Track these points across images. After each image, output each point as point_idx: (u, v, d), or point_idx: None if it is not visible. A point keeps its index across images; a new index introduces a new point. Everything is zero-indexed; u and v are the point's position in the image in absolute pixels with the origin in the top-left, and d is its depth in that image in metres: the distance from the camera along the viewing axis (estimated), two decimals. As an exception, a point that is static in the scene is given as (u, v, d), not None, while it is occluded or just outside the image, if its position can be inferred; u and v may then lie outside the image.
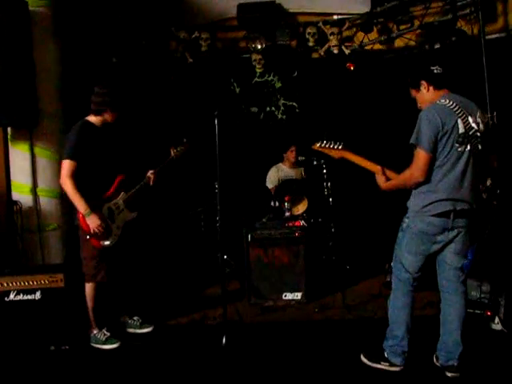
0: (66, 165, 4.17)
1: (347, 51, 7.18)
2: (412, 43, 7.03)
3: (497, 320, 4.43)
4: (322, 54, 7.30)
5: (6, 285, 4.31)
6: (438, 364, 3.68)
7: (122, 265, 4.59)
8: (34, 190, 5.39)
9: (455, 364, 3.55)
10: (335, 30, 7.08)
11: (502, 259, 4.68)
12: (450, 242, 3.51)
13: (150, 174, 4.70)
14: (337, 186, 6.60)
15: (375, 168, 3.70)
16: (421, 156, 3.40)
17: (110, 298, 4.70)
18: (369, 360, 3.84)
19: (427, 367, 3.71)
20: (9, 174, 5.17)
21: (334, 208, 6.53)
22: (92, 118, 4.42)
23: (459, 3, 6.20)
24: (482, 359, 3.84)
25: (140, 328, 4.75)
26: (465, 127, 3.39)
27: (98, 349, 4.44)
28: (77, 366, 4.13)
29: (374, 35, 7.10)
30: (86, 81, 6.04)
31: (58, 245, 5.53)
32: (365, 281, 6.06)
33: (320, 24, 7.18)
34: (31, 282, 4.34)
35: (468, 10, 6.20)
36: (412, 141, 3.46)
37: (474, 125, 3.42)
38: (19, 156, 5.34)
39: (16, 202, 5.23)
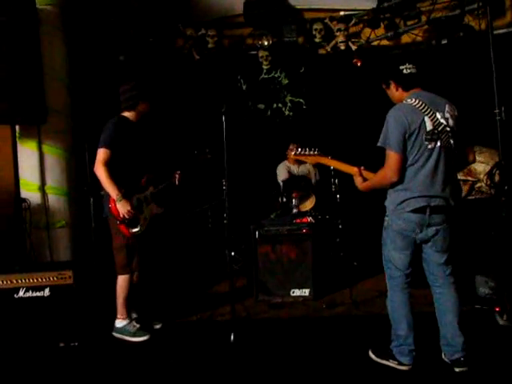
0: (101, 152, 4.25)
1: (354, 47, 7.17)
2: (419, 39, 7.01)
3: (505, 316, 4.41)
4: (329, 50, 7.30)
5: (15, 282, 4.34)
6: (445, 359, 3.67)
7: (148, 260, 4.66)
8: (42, 187, 5.42)
9: (461, 358, 3.54)
10: (342, 26, 7.08)
11: (510, 255, 4.66)
12: (429, 239, 3.53)
13: (176, 175, 4.80)
14: (344, 183, 6.59)
15: (352, 170, 3.76)
16: (391, 157, 3.42)
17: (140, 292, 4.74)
18: (377, 356, 3.83)
19: (436, 364, 3.70)
20: (17, 171, 5.20)
21: (342, 205, 6.52)
22: (126, 114, 4.51)
23: (467, -2, 6.18)
24: (491, 355, 3.82)
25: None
26: (433, 124, 3.40)
27: (121, 340, 4.48)
28: (86, 362, 4.14)
29: (380, 31, 7.09)
30: (94, 78, 6.09)
31: (67, 242, 5.55)
32: (372, 277, 6.05)
33: (327, 20, 7.17)
34: (40, 279, 4.37)
35: (476, 5, 6.18)
36: (380, 143, 3.50)
37: (442, 120, 3.42)
38: (27, 154, 5.37)
39: (24, 200, 5.26)
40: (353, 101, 7.38)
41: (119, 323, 4.55)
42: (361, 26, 7.27)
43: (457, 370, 3.55)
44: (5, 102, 4.85)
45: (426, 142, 3.39)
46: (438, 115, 3.42)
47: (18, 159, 5.21)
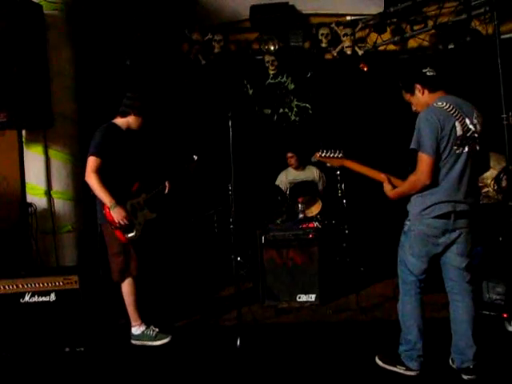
0: (91, 161, 4.27)
1: (360, 52, 7.16)
2: (426, 44, 7.00)
3: (513, 322, 4.39)
4: (335, 54, 7.29)
5: (21, 286, 4.34)
6: (454, 367, 3.64)
7: (145, 264, 4.62)
8: (48, 192, 5.42)
9: (470, 366, 3.51)
10: (348, 30, 7.07)
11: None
12: (452, 243, 3.49)
13: (166, 184, 4.88)
14: (351, 188, 6.57)
15: (380, 177, 3.67)
16: (424, 160, 3.38)
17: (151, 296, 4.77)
18: (384, 362, 3.81)
19: (444, 370, 3.67)
20: (23, 176, 5.20)
21: (348, 210, 6.50)
22: (118, 120, 4.53)
23: (473, 3, 6.16)
24: (499, 361, 3.80)
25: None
26: (462, 129, 3.37)
27: (144, 345, 4.49)
28: (91, 367, 4.14)
29: (387, 36, 7.09)
30: (101, 83, 6.10)
31: (73, 247, 5.55)
32: (379, 282, 6.03)
33: (333, 25, 7.17)
34: (46, 284, 4.37)
35: (482, 10, 6.15)
36: (413, 146, 3.45)
37: (471, 126, 3.40)
38: (34, 158, 5.38)
39: (31, 204, 5.26)
40: (359, 106, 7.38)
41: (136, 330, 4.55)
42: (367, 30, 7.26)
43: (465, 377, 3.53)
44: (11, 107, 4.85)
45: (455, 147, 3.36)
46: (468, 120, 3.40)
47: (25, 164, 5.22)
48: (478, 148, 3.44)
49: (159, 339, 4.51)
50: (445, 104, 3.40)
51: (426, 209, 3.44)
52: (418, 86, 3.57)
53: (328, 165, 4.21)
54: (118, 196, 4.31)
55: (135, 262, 4.46)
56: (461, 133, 3.36)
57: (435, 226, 3.44)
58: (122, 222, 4.24)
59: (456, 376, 3.57)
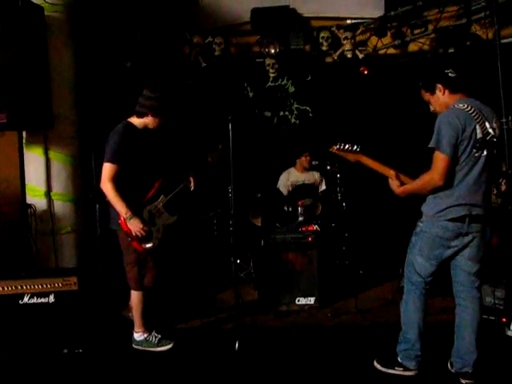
0: (107, 168, 4.10)
1: (361, 55, 7.17)
2: (426, 48, 7.01)
3: (512, 326, 4.39)
4: (336, 58, 7.29)
5: (20, 288, 4.33)
6: (452, 370, 3.65)
7: (164, 269, 4.56)
8: (48, 193, 5.41)
9: (470, 371, 3.51)
10: (349, 34, 7.08)
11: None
12: (465, 247, 3.48)
13: (190, 178, 4.70)
14: (350, 191, 6.58)
15: (389, 172, 3.65)
16: (441, 160, 3.36)
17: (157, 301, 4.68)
18: (382, 366, 3.81)
19: (442, 373, 3.68)
20: (23, 177, 5.19)
21: (348, 213, 6.51)
22: (134, 120, 4.35)
23: (474, 7, 6.16)
24: (498, 366, 3.80)
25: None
26: (482, 132, 3.36)
27: (147, 351, 4.44)
28: (90, 369, 4.13)
29: (387, 40, 7.08)
30: (101, 85, 6.10)
31: (72, 248, 5.54)
32: (378, 286, 6.03)
33: (334, 28, 7.17)
34: (45, 285, 4.36)
35: (483, 14, 6.17)
36: (432, 144, 3.41)
37: (490, 130, 3.40)
38: (34, 160, 5.37)
39: (30, 206, 5.25)
40: (359, 109, 7.39)
41: (139, 336, 4.49)
42: (368, 34, 7.26)
43: (463, 382, 3.53)
44: (12, 108, 4.84)
45: (474, 150, 3.36)
46: (487, 124, 3.40)
47: (25, 165, 5.21)
48: (495, 152, 3.45)
49: (161, 345, 4.46)
50: (466, 106, 3.40)
51: (442, 211, 3.44)
52: (439, 86, 3.55)
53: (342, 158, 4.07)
54: (135, 202, 4.19)
55: (152, 272, 4.36)
56: (480, 136, 3.36)
57: (449, 229, 3.43)
58: (138, 234, 4.10)
59: (454, 378, 3.57)
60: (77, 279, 4.40)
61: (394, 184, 3.63)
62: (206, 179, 4.98)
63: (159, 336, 4.51)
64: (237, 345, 4.27)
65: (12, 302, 4.31)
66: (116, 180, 4.11)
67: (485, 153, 3.38)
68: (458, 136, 3.33)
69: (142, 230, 4.10)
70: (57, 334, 4.34)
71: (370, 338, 4.52)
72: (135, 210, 4.14)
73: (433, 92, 3.60)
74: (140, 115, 4.33)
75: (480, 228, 3.45)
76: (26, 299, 4.33)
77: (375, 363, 3.86)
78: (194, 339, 4.72)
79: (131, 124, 4.34)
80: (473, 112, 3.38)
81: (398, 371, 3.69)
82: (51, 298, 4.36)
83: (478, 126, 3.36)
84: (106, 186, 4.09)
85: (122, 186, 4.13)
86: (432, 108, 3.67)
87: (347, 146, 3.77)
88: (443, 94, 3.55)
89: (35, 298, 4.34)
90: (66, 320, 4.35)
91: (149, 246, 4.23)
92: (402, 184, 3.60)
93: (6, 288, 4.32)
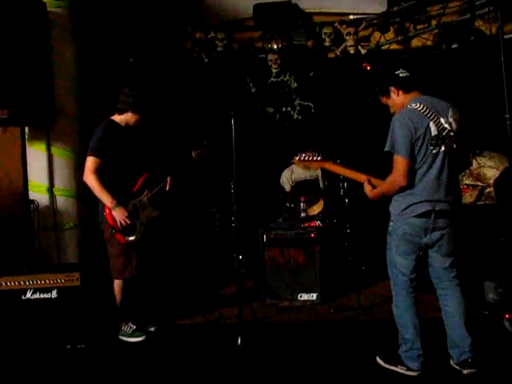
0: (90, 161, 4.24)
1: (363, 51, 7.15)
2: (429, 43, 6.99)
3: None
4: (339, 54, 7.29)
5: (22, 283, 4.34)
6: (453, 363, 3.65)
7: (146, 262, 4.61)
8: (50, 189, 5.43)
9: (469, 358, 3.53)
10: (351, 29, 7.08)
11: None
12: (434, 244, 3.54)
13: (168, 179, 4.76)
14: (352, 187, 6.57)
15: (361, 178, 3.73)
16: (399, 162, 3.43)
17: (138, 293, 4.72)
18: (385, 362, 3.81)
19: (445, 370, 3.67)
20: (26, 173, 5.21)
21: (350, 209, 6.51)
22: (116, 118, 4.49)
23: (477, 2, 6.15)
24: (500, 362, 3.79)
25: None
26: (437, 129, 3.41)
27: (123, 343, 4.50)
28: (92, 364, 4.14)
29: (390, 35, 7.08)
30: (104, 81, 6.10)
31: (74, 244, 5.56)
32: (380, 282, 6.00)
33: (336, 24, 7.17)
34: (48, 281, 4.37)
35: (486, 9, 6.14)
36: (387, 148, 3.50)
37: (446, 125, 3.44)
38: (36, 155, 5.38)
39: (33, 201, 5.27)
40: (362, 105, 7.36)
41: (120, 326, 4.59)
42: (370, 29, 7.25)
43: (465, 372, 3.54)
44: (14, 104, 4.86)
45: (431, 147, 3.41)
46: (442, 120, 3.44)
47: (27, 161, 5.22)
48: (455, 146, 3.48)
49: (134, 336, 4.53)
50: (418, 105, 3.45)
51: (407, 208, 3.49)
52: (392, 89, 3.63)
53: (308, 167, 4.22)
54: (120, 195, 4.30)
55: (135, 262, 4.45)
56: (436, 132, 3.41)
57: (416, 225, 3.48)
58: (123, 223, 4.23)
59: (457, 375, 3.57)
60: (79, 275, 4.41)
61: (366, 188, 3.70)
62: (190, 175, 5.02)
63: (134, 327, 4.56)
64: (239, 340, 4.28)
65: (15, 297, 4.32)
66: (100, 174, 4.23)
67: (442, 148, 3.42)
68: (411, 136, 3.39)
69: (127, 218, 4.24)
70: (59, 329, 4.35)
71: (373, 334, 4.52)
72: (120, 202, 4.26)
73: (388, 95, 3.68)
74: (120, 112, 4.47)
75: (447, 223, 3.49)
76: (28, 295, 4.34)
77: (378, 359, 3.86)
78: (196, 334, 4.72)
79: (113, 121, 4.48)
80: (425, 110, 3.42)
81: (400, 369, 3.68)
82: (54, 294, 4.37)
83: (431, 124, 3.40)
84: (90, 178, 4.23)
85: (107, 180, 4.25)
86: (392, 110, 3.73)
87: (308, 157, 3.89)
88: (397, 95, 3.63)
89: (38, 293, 4.35)
90: (68, 315, 4.36)
91: (131, 238, 4.35)
92: (375, 188, 3.66)
93: (8, 283, 4.32)
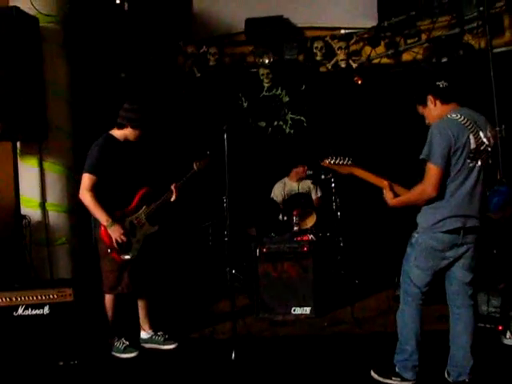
0: (86, 179, 4.21)
1: (355, 65, 7.20)
2: (419, 57, 7.04)
3: (508, 334, 4.38)
4: (330, 68, 7.33)
5: (14, 299, 4.29)
6: (449, 379, 3.63)
7: (140, 279, 4.55)
8: (42, 204, 5.41)
9: (466, 379, 3.51)
10: (343, 44, 7.12)
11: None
12: (460, 257, 3.48)
13: (172, 188, 4.67)
14: (345, 200, 6.59)
15: (382, 183, 3.65)
16: (433, 171, 3.35)
17: (131, 309, 4.70)
18: (379, 375, 3.79)
19: (439, 382, 3.67)
20: (18, 188, 5.18)
21: (343, 222, 6.52)
22: (115, 132, 4.45)
23: (466, 17, 6.21)
24: (494, 374, 3.79)
25: (163, 344, 4.72)
26: (476, 142, 3.34)
27: (116, 359, 4.47)
28: (85, 381, 4.10)
29: (381, 49, 7.12)
30: (95, 96, 6.11)
31: (67, 259, 5.53)
32: (374, 295, 6.02)
33: (327, 38, 7.21)
34: (40, 297, 4.33)
35: (475, 24, 6.20)
36: (423, 155, 3.41)
37: (484, 140, 3.38)
38: (28, 170, 5.37)
39: (25, 217, 5.24)
40: (353, 119, 7.41)
41: (112, 341, 4.56)
42: (361, 44, 7.29)
43: None
44: (6, 119, 4.85)
45: (468, 160, 3.34)
46: (482, 134, 3.37)
47: (19, 176, 5.20)
48: (490, 162, 3.43)
49: (127, 352, 4.50)
50: (459, 116, 3.38)
51: (437, 223, 3.42)
52: (430, 98, 3.53)
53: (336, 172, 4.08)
54: (117, 212, 4.27)
55: (127, 279, 4.40)
56: (474, 146, 3.34)
57: (444, 241, 3.42)
58: (119, 240, 4.18)
59: (451, 388, 3.57)
60: (72, 290, 4.37)
61: (387, 195, 3.62)
62: (192, 188, 4.97)
63: (127, 343, 4.54)
64: (233, 354, 4.26)
65: (6, 313, 4.26)
66: (96, 190, 4.20)
67: (479, 163, 3.36)
68: (450, 147, 3.31)
69: (123, 235, 4.20)
70: (52, 345, 4.30)
71: (367, 348, 4.50)
72: (116, 220, 4.23)
73: (425, 104, 3.58)
74: (120, 127, 4.44)
75: (474, 239, 3.45)
76: (20, 311, 4.29)
77: (372, 373, 3.84)
78: (190, 349, 4.69)
79: (112, 136, 4.44)
80: (466, 122, 3.36)
81: (395, 381, 3.67)
82: (46, 310, 4.33)
83: (471, 136, 3.33)
84: (85, 196, 4.20)
85: (103, 196, 4.22)
86: (427, 121, 3.64)
87: (339, 160, 3.76)
88: (435, 105, 3.53)
89: (30, 309, 4.31)
90: (61, 332, 4.32)
91: (127, 257, 4.31)
92: (396, 195, 3.60)
93: (0, 300, 4.28)
